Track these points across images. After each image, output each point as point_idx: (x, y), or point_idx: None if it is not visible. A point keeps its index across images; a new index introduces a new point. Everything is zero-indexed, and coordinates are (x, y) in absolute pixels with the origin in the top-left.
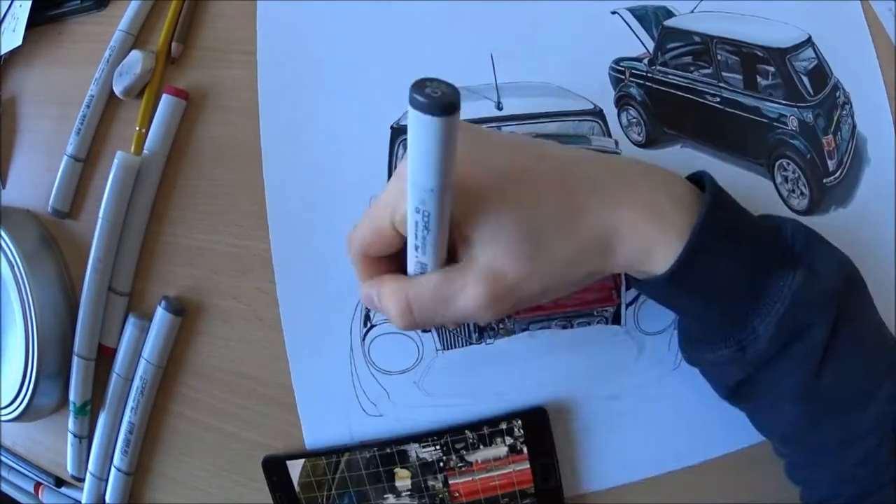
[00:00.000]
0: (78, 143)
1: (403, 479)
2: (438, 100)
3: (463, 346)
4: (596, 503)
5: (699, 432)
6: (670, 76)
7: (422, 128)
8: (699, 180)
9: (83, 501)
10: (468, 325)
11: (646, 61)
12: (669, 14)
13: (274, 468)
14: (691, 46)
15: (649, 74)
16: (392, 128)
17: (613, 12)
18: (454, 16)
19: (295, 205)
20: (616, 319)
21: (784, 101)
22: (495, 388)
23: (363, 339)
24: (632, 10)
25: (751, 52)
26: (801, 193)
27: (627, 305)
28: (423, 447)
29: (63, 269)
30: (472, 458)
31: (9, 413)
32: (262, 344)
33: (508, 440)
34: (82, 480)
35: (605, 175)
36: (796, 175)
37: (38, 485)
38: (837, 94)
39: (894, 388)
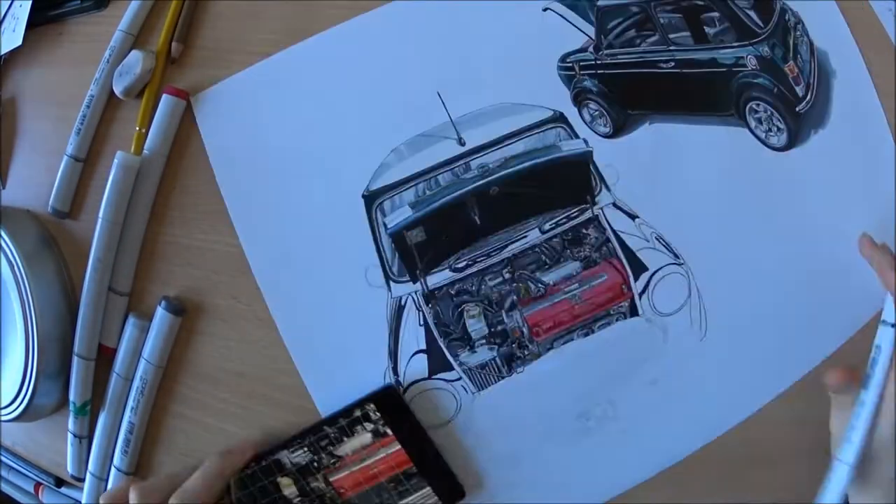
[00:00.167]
0: (78, 143)
1: (288, 486)
2: None
3: (496, 382)
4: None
5: (739, 390)
6: (619, 56)
7: None
8: None
9: (83, 501)
10: (495, 359)
11: (591, 49)
12: None
13: None
14: (632, 18)
15: (598, 61)
16: (364, 196)
17: (545, 9)
18: (389, 69)
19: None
20: (633, 311)
21: (737, 43)
22: (536, 411)
23: None
24: (563, 2)
25: (691, 4)
26: (778, 129)
27: (640, 295)
28: (292, 452)
29: (63, 269)
30: (340, 451)
31: (9, 413)
32: (262, 344)
33: (369, 426)
34: (82, 480)
35: None
36: (769, 112)
37: (38, 485)
38: (787, 16)
39: None
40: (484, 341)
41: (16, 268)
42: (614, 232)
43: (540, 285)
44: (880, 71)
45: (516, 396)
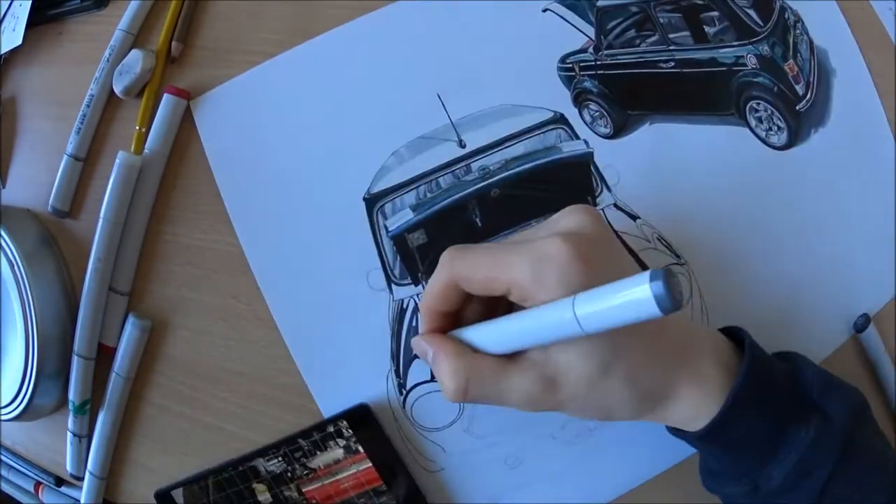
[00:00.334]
0: (78, 142)
1: (262, 492)
2: (675, 302)
3: None
4: None
5: None
6: (619, 57)
7: (642, 310)
8: (736, 334)
9: (82, 501)
10: None
11: (591, 50)
12: None
13: (164, 500)
14: (631, 18)
15: (598, 62)
16: (365, 199)
17: (545, 10)
18: (389, 71)
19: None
20: None
21: (737, 42)
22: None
23: (404, 406)
24: (562, 3)
25: (691, 4)
26: (778, 128)
27: None
28: (268, 460)
29: (63, 269)
30: (313, 464)
31: (9, 412)
32: (262, 344)
33: (342, 442)
34: (81, 479)
35: (668, 346)
36: (769, 111)
37: (38, 484)
38: (786, 15)
39: None
40: None
41: (16, 268)
42: (616, 233)
43: None
44: (880, 70)
45: None
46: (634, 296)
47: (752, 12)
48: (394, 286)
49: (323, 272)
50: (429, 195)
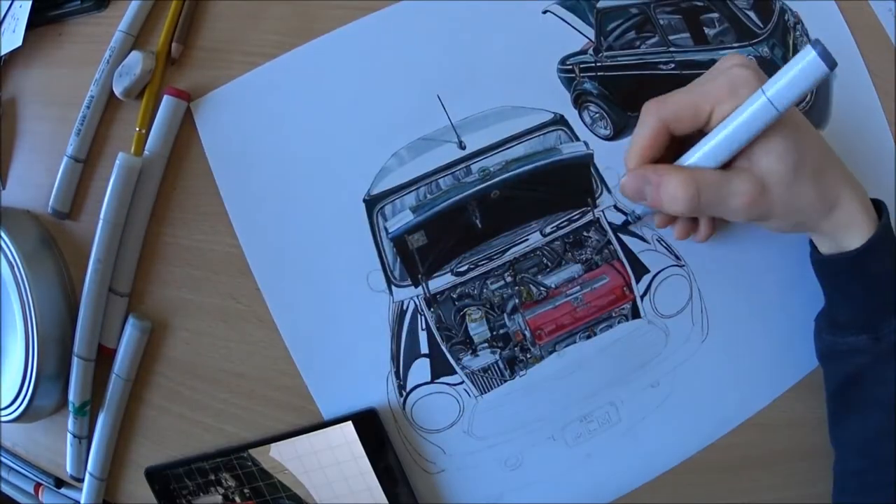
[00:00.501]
0: (78, 143)
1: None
2: (832, 60)
3: (498, 385)
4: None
5: (740, 391)
6: (620, 58)
7: (814, 72)
8: None
9: (82, 502)
10: (497, 363)
11: (591, 51)
12: None
13: (156, 478)
14: (631, 20)
15: (598, 63)
16: (365, 200)
17: (545, 12)
18: (389, 73)
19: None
20: (635, 314)
21: (737, 44)
22: (539, 414)
23: (404, 408)
24: (562, 5)
25: (691, 6)
26: None
27: (641, 297)
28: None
29: (63, 270)
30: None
31: (9, 414)
32: (262, 344)
33: (221, 490)
34: (81, 480)
35: (834, 160)
36: None
37: (37, 485)
38: (786, 16)
39: None
40: (486, 345)
41: (16, 268)
42: (615, 234)
43: (542, 288)
44: (880, 71)
45: (519, 399)
46: (805, 63)
47: (752, 14)
48: (394, 287)
49: (323, 273)
50: (429, 197)
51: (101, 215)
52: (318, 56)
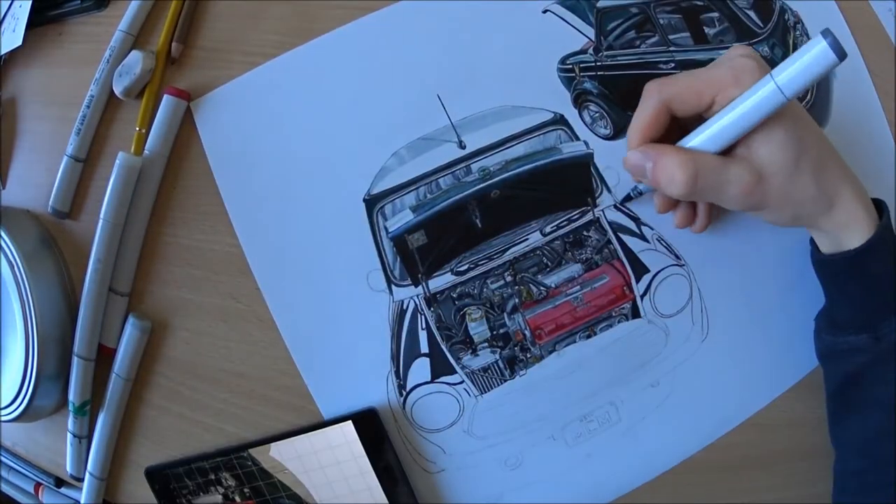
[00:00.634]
0: (78, 143)
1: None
2: (842, 50)
3: (498, 385)
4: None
5: (741, 391)
6: (620, 58)
7: (824, 60)
8: None
9: (82, 502)
10: (497, 362)
11: (591, 51)
12: None
13: (156, 478)
14: (631, 19)
15: (598, 63)
16: (365, 200)
17: (545, 11)
18: (389, 72)
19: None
20: (635, 313)
21: (737, 43)
22: (539, 414)
23: (404, 407)
24: (562, 4)
25: (691, 5)
26: None
27: (642, 297)
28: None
29: (63, 270)
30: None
31: (9, 413)
32: (262, 344)
33: (220, 489)
34: (81, 480)
35: (836, 157)
36: None
37: (38, 485)
38: (786, 16)
39: None
40: (486, 344)
41: (16, 268)
42: (615, 234)
43: (542, 288)
44: (880, 71)
45: (519, 399)
46: (815, 51)
47: (752, 13)
48: (394, 287)
49: (323, 273)
50: (429, 196)
51: (101, 215)
52: (318, 56)
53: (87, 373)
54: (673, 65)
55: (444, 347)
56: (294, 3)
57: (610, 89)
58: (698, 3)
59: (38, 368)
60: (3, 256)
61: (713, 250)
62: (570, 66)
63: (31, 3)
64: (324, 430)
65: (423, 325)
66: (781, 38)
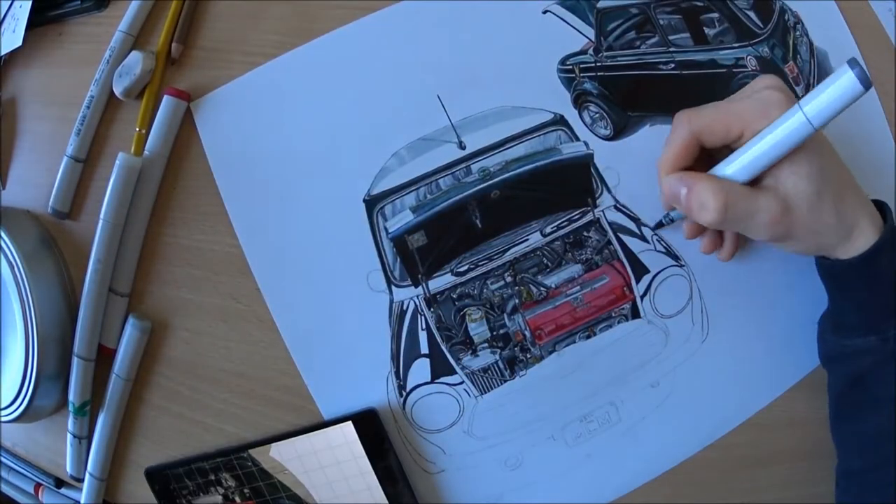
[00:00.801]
0: (78, 143)
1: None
2: (868, 79)
3: (498, 385)
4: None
5: (741, 391)
6: (619, 58)
7: (850, 91)
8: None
9: (82, 502)
10: (497, 363)
11: (591, 51)
12: None
13: (156, 478)
14: (631, 20)
15: (598, 63)
16: (365, 200)
17: (545, 11)
18: (389, 73)
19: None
20: (635, 314)
21: (737, 44)
22: (539, 414)
23: (404, 408)
24: (562, 4)
25: (691, 6)
26: None
27: (641, 297)
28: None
29: (63, 270)
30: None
31: (9, 414)
32: (262, 344)
33: (220, 490)
34: (81, 481)
35: (855, 188)
36: None
37: (38, 485)
38: (786, 16)
39: None
40: (486, 345)
41: (16, 268)
42: (616, 234)
43: (542, 288)
44: (880, 71)
45: (519, 399)
46: (843, 82)
47: (752, 14)
48: (394, 288)
49: (323, 273)
50: (429, 197)
51: (101, 215)
52: (318, 56)
53: (87, 373)
54: (673, 65)
55: (444, 348)
56: (294, 3)
57: (610, 90)
58: (698, 3)
59: (38, 369)
60: (3, 256)
61: None
62: (571, 67)
63: (31, 3)
64: (324, 430)
65: (423, 326)
66: (781, 38)
